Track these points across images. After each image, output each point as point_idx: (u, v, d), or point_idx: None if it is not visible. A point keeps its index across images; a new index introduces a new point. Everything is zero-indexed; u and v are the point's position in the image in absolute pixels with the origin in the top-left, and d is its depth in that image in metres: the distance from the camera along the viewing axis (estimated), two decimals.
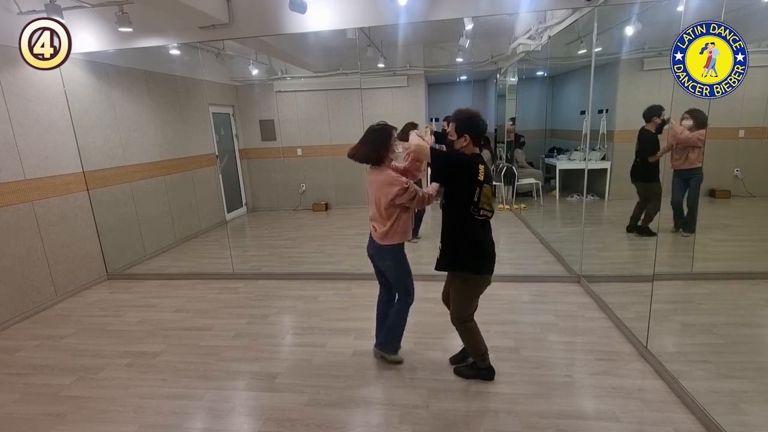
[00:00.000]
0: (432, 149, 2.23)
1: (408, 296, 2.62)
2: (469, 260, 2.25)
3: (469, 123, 2.19)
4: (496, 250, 2.31)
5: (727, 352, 2.71)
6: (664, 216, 4.41)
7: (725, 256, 4.18)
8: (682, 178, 4.20)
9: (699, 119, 3.96)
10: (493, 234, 2.31)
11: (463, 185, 2.16)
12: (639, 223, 4.57)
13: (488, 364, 2.49)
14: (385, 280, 2.67)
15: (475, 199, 2.15)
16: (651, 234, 4.41)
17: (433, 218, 5.93)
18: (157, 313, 3.68)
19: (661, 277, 3.42)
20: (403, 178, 2.36)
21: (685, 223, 4.29)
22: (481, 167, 2.15)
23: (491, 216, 2.24)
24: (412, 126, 4.83)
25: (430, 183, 2.32)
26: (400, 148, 2.45)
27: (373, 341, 2.98)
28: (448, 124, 2.38)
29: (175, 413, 2.35)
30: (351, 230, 6.02)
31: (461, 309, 2.40)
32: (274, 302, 3.78)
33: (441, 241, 2.32)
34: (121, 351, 3.05)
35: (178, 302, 3.88)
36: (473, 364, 2.53)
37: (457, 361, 2.67)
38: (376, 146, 2.37)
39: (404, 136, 4.87)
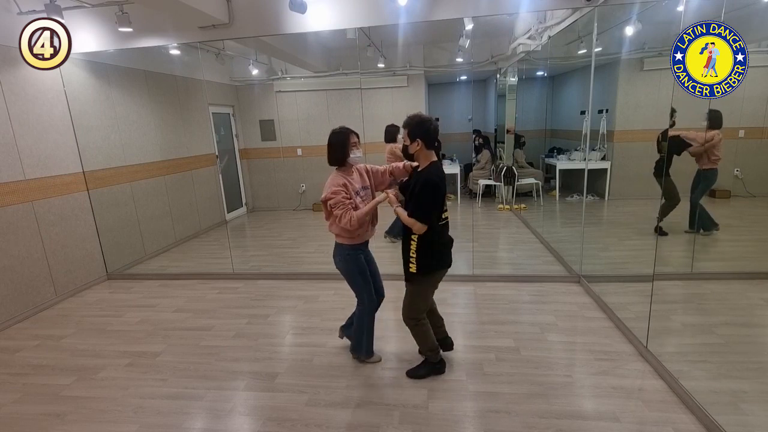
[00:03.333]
0: (419, 218, 2.21)
1: (361, 302, 2.63)
2: (428, 263, 2.32)
3: (420, 127, 2.22)
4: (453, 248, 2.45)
5: (727, 352, 2.71)
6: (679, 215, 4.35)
7: (725, 256, 4.18)
8: (699, 177, 4.18)
9: (712, 120, 3.95)
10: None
11: (439, 203, 2.23)
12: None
13: (439, 357, 2.57)
14: None
15: (443, 207, 2.28)
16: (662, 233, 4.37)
17: None
18: (157, 313, 3.68)
19: (661, 277, 3.42)
20: (341, 194, 2.37)
21: (702, 222, 4.25)
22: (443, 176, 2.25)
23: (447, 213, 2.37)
24: (393, 127, 4.82)
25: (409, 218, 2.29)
26: (358, 152, 2.49)
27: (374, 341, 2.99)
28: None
29: (175, 413, 2.35)
30: None
31: (415, 308, 2.44)
32: (274, 302, 3.78)
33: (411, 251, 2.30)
34: (121, 351, 3.05)
35: (178, 302, 3.88)
36: (426, 361, 2.57)
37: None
38: (333, 148, 2.49)
39: (389, 137, 4.86)
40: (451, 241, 2.40)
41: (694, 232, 4.25)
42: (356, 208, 2.41)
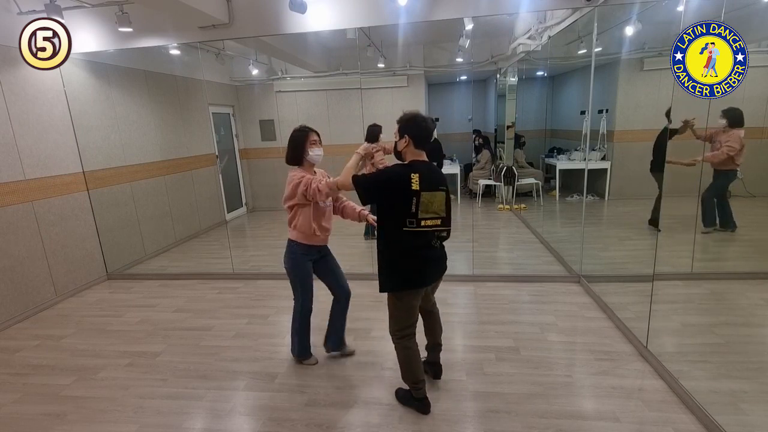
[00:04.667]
0: (354, 177, 2.11)
1: (296, 303, 2.68)
2: (397, 276, 2.11)
3: (409, 124, 2.09)
4: (441, 261, 2.20)
5: (727, 352, 2.71)
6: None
7: (725, 256, 4.18)
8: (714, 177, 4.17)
9: (732, 118, 3.94)
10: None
11: (397, 200, 2.02)
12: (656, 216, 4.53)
13: (423, 395, 2.25)
14: (325, 281, 2.74)
15: (413, 210, 2.00)
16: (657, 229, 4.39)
17: None
18: (157, 313, 3.68)
19: (661, 277, 3.42)
20: (303, 175, 2.41)
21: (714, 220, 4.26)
22: (415, 176, 2.00)
23: (440, 226, 2.08)
24: (375, 127, 4.81)
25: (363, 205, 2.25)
26: (317, 150, 2.49)
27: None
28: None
29: (175, 413, 2.35)
30: (350, 230, 6.02)
31: (393, 322, 2.22)
32: (274, 302, 3.78)
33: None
34: (121, 351, 3.05)
35: (178, 302, 3.88)
36: (409, 392, 2.31)
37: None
38: (290, 146, 2.52)
39: (370, 137, 4.86)
40: (427, 257, 2.10)
41: (725, 228, 4.23)
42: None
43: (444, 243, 2.21)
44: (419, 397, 2.26)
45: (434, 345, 2.50)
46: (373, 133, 4.77)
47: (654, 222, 4.60)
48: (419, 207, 2.01)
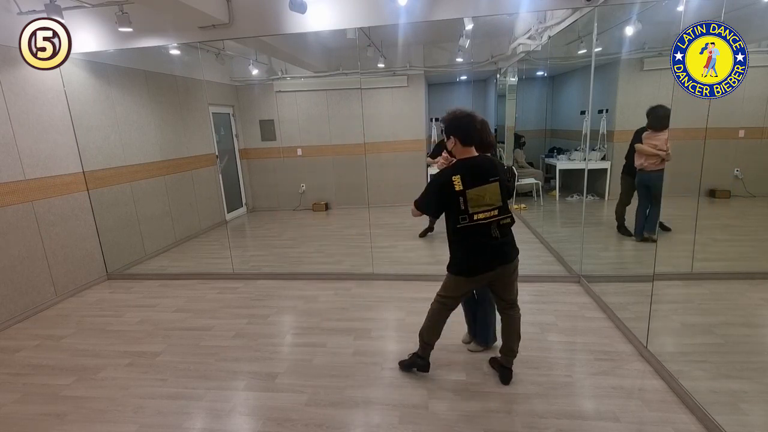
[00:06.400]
0: (415, 201, 2.33)
1: None
2: (454, 264, 2.33)
3: (454, 123, 2.19)
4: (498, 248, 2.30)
5: (727, 352, 2.71)
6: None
7: (725, 256, 4.18)
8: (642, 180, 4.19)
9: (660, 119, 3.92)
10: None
11: (448, 203, 2.20)
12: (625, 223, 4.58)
13: (427, 355, 2.53)
14: None
15: (463, 207, 2.15)
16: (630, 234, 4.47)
17: None
18: (157, 313, 3.68)
19: (661, 277, 3.42)
20: None
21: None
22: (456, 177, 2.14)
23: (498, 215, 2.21)
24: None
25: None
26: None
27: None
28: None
29: (175, 413, 2.35)
30: (351, 230, 6.03)
31: (442, 290, 2.43)
32: (274, 302, 3.78)
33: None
34: (121, 351, 3.05)
35: (178, 302, 3.88)
36: (415, 353, 2.55)
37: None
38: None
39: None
40: (484, 247, 2.21)
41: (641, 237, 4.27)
42: None
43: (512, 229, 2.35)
44: (423, 355, 2.51)
45: (507, 349, 2.47)
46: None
47: (622, 228, 4.61)
48: (468, 204, 2.15)
